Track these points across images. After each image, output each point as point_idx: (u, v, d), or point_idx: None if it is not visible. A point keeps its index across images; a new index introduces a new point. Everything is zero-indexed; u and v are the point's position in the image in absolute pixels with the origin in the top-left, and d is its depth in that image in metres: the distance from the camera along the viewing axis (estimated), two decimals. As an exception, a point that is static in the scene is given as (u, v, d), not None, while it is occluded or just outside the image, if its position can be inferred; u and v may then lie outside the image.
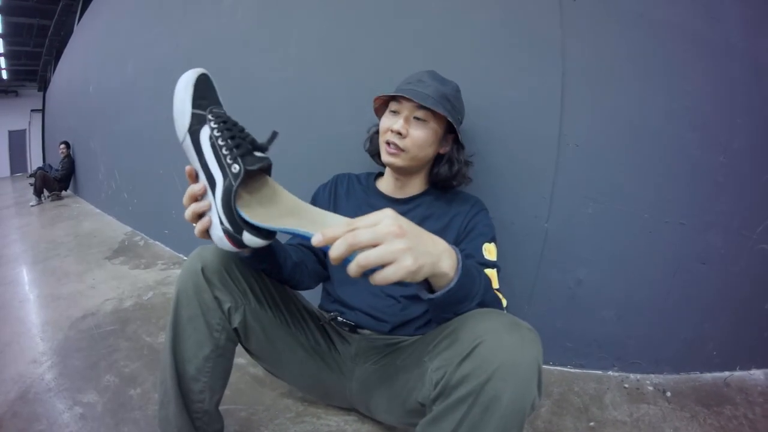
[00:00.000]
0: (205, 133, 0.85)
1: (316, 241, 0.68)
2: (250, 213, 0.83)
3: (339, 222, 0.72)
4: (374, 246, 0.66)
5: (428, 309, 0.90)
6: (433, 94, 1.22)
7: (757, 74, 1.45)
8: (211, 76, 0.91)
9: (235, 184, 0.80)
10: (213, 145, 0.83)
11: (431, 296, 0.80)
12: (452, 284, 0.77)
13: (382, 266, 0.66)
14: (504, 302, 1.04)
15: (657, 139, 1.48)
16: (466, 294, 0.83)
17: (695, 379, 1.60)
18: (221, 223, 0.83)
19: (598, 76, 1.49)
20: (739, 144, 1.46)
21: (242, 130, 0.86)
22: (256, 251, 1.00)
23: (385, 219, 0.69)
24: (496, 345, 0.74)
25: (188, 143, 0.86)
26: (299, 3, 2.16)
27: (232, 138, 0.83)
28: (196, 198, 0.86)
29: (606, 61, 1.49)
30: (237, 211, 0.81)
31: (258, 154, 0.85)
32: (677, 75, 1.45)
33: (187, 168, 0.87)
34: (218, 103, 0.90)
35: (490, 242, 1.22)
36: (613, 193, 1.53)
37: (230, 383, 1.16)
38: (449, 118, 1.23)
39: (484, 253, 1.19)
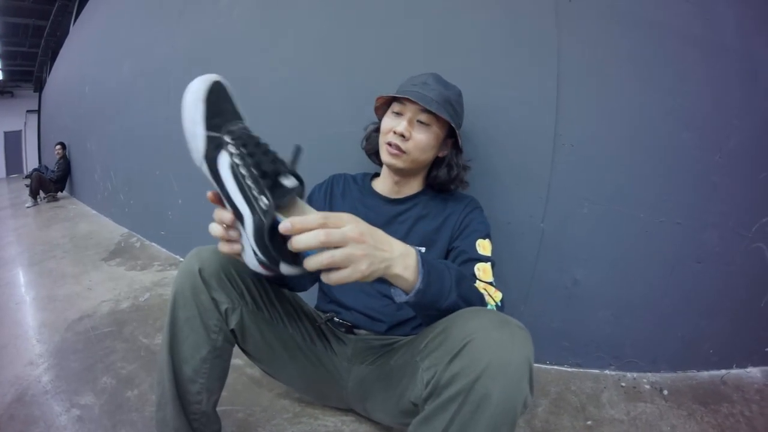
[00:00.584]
0: (224, 161, 0.75)
1: (284, 228, 0.69)
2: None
3: (314, 217, 0.71)
4: (338, 247, 0.71)
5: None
6: (438, 98, 1.22)
7: (752, 74, 1.45)
8: (224, 81, 0.81)
9: (266, 222, 0.71)
10: (235, 175, 0.74)
11: (404, 300, 0.82)
12: (418, 285, 0.80)
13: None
14: (498, 295, 1.05)
15: (653, 139, 1.49)
16: (439, 289, 0.84)
17: (692, 377, 1.60)
18: (255, 254, 0.75)
19: (593, 77, 1.50)
20: (734, 144, 1.47)
21: (266, 151, 0.76)
22: None
23: (350, 223, 0.73)
24: (485, 343, 0.74)
25: (206, 170, 0.77)
26: (297, 3, 2.16)
27: (257, 166, 0.73)
28: (226, 225, 0.78)
29: (601, 62, 1.49)
30: (271, 249, 0.73)
31: (285, 182, 0.75)
32: (673, 75, 1.46)
33: (209, 194, 0.79)
34: (236, 116, 0.80)
35: (484, 238, 1.23)
36: (609, 193, 1.53)
37: (227, 384, 1.16)
38: (452, 124, 1.24)
39: (478, 248, 1.19)
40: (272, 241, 0.73)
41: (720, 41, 1.44)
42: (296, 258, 0.75)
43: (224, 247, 0.80)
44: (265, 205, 0.72)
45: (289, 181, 0.76)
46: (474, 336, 0.75)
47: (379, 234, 0.79)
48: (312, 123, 2.08)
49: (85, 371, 1.72)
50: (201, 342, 1.05)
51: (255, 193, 0.73)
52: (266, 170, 0.73)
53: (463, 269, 1.14)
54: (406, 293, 0.83)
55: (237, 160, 0.74)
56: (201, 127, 0.75)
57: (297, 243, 0.69)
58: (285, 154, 0.79)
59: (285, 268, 0.75)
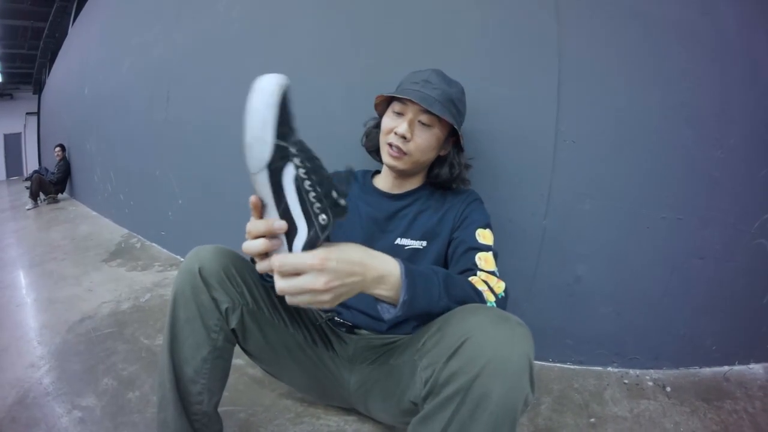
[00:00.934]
0: (289, 174, 0.72)
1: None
2: None
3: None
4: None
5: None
6: (440, 98, 1.21)
7: (752, 70, 1.45)
8: (290, 87, 0.72)
9: (321, 237, 0.73)
10: (299, 189, 0.72)
11: (392, 315, 0.83)
12: (403, 297, 0.80)
13: None
14: (501, 285, 1.04)
15: (653, 135, 1.48)
16: (428, 299, 0.84)
17: (695, 374, 1.60)
18: None
19: (594, 73, 1.50)
20: (735, 140, 1.47)
21: (322, 166, 0.75)
22: None
23: (309, 272, 0.72)
24: (484, 340, 0.73)
25: (264, 179, 0.72)
26: (295, 2, 2.15)
27: (321, 184, 0.72)
28: (270, 235, 0.75)
29: (602, 58, 1.49)
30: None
31: (341, 201, 0.74)
32: (673, 71, 1.46)
33: (253, 198, 0.75)
34: (295, 127, 0.75)
35: (484, 228, 1.22)
36: (611, 190, 1.53)
37: (229, 384, 1.16)
38: (454, 125, 1.23)
39: (478, 237, 1.19)
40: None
41: (721, 37, 1.44)
42: None
43: (263, 265, 0.77)
44: (324, 221, 0.73)
45: (343, 201, 0.74)
46: (472, 333, 0.74)
47: (346, 269, 0.75)
48: (310, 121, 2.06)
49: (87, 373, 1.72)
50: (202, 342, 1.05)
51: (316, 209, 0.72)
52: (328, 191, 0.73)
53: (464, 260, 1.14)
54: (394, 306, 0.83)
55: (303, 175, 0.72)
56: (271, 133, 0.70)
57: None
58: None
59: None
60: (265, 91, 0.70)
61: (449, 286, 0.89)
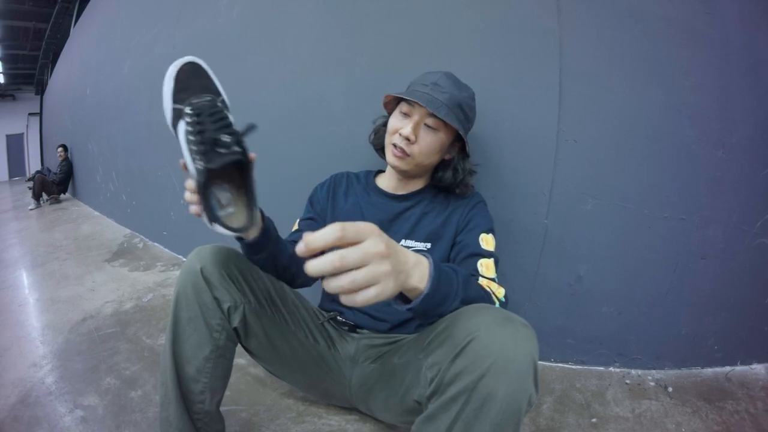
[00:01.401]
0: (181, 129, 0.86)
1: (300, 251, 0.64)
2: (229, 209, 0.92)
3: (325, 231, 0.66)
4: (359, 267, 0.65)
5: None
6: (448, 102, 1.20)
7: (754, 69, 1.45)
8: (199, 62, 0.96)
9: (201, 181, 0.83)
10: (186, 141, 0.84)
11: (409, 306, 0.80)
12: (426, 291, 0.77)
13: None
14: (501, 291, 1.05)
15: (655, 135, 1.48)
16: (445, 296, 0.83)
17: (696, 374, 1.60)
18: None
19: (596, 72, 1.49)
20: (737, 139, 1.46)
21: (219, 119, 0.85)
22: (253, 242, 1.04)
23: (371, 237, 0.68)
24: (489, 340, 0.73)
25: (176, 136, 0.89)
26: (295, 3, 2.15)
27: (201, 133, 0.83)
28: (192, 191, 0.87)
29: (604, 57, 1.49)
30: (211, 209, 0.87)
31: (222, 150, 0.82)
32: (675, 70, 1.45)
33: (181, 161, 0.88)
34: (206, 91, 0.91)
35: (487, 233, 1.22)
36: (612, 189, 1.53)
37: (231, 384, 1.16)
38: (460, 131, 1.22)
39: (481, 243, 1.19)
40: (207, 201, 0.87)
41: (723, 36, 1.43)
42: (242, 221, 0.90)
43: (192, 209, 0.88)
44: (201, 166, 0.82)
45: (222, 149, 0.82)
46: (477, 333, 0.74)
47: (396, 244, 0.74)
48: (312, 121, 2.08)
49: (89, 372, 1.72)
50: (204, 341, 1.05)
51: (196, 155, 0.82)
52: (206, 138, 0.82)
53: (466, 265, 1.15)
54: (406, 302, 0.81)
55: (189, 128, 0.84)
56: (169, 100, 0.89)
57: (311, 269, 0.64)
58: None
59: (219, 229, 0.88)
60: (168, 72, 0.91)
61: (467, 287, 0.89)
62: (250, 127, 0.86)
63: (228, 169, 0.88)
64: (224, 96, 0.93)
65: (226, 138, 0.83)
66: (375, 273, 0.66)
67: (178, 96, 0.88)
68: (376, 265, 0.66)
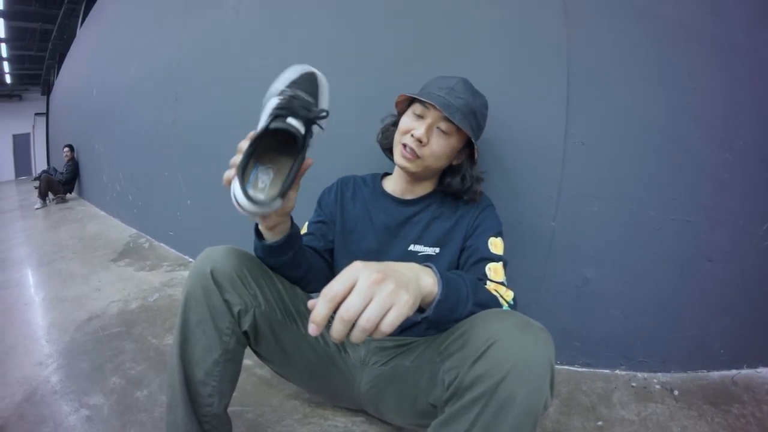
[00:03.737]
0: (272, 102, 0.91)
1: (312, 331, 0.68)
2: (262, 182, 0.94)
3: (320, 307, 0.69)
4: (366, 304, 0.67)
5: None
6: (462, 108, 1.20)
7: (761, 70, 1.45)
8: (321, 76, 1.03)
9: (262, 126, 0.88)
10: (269, 108, 0.90)
11: (424, 315, 0.82)
12: (438, 296, 0.80)
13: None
14: (510, 294, 1.05)
15: (662, 137, 1.48)
16: (456, 300, 0.85)
17: (702, 377, 1.59)
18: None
19: (603, 74, 1.49)
20: (744, 141, 1.46)
21: (302, 103, 0.92)
22: (278, 245, 1.05)
23: (360, 273, 0.70)
24: (509, 345, 0.74)
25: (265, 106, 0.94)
26: (302, 3, 2.16)
27: (284, 105, 0.89)
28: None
29: (611, 59, 1.48)
30: (246, 165, 0.88)
31: (290, 120, 0.88)
32: (681, 72, 1.45)
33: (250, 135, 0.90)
34: (313, 99, 0.97)
35: (496, 236, 1.22)
36: (620, 191, 1.53)
37: (237, 385, 1.16)
38: (471, 138, 1.22)
39: (490, 247, 1.19)
40: (244, 168, 0.88)
41: (729, 37, 1.43)
42: (273, 195, 0.89)
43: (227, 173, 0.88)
44: (264, 124, 0.88)
45: (276, 123, 0.88)
46: (497, 338, 0.75)
47: (391, 263, 0.77)
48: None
49: (94, 371, 1.73)
50: (213, 345, 1.04)
51: (267, 117, 0.88)
52: (284, 105, 0.89)
53: (475, 269, 1.15)
54: (422, 310, 0.83)
55: (279, 101, 0.90)
56: (283, 84, 0.95)
57: (335, 335, 0.67)
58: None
59: (238, 193, 0.85)
60: (296, 65, 0.99)
61: (476, 291, 0.91)
62: (323, 112, 0.94)
63: (282, 154, 0.94)
64: (327, 111, 0.97)
65: (300, 114, 0.90)
66: (384, 299, 0.68)
67: (293, 84, 0.95)
68: (380, 290, 0.68)
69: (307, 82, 0.98)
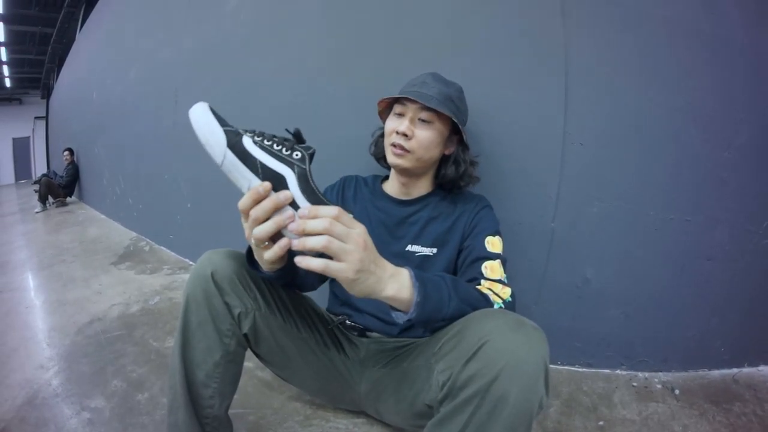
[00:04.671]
0: (248, 142, 0.80)
1: (301, 213, 0.75)
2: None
3: (330, 209, 0.76)
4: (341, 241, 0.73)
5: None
6: (437, 96, 1.22)
7: (759, 69, 1.45)
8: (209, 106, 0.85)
9: (307, 166, 0.81)
10: (262, 147, 0.81)
11: (407, 317, 0.84)
12: (416, 298, 0.81)
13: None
14: (507, 291, 1.06)
15: (661, 136, 1.48)
16: (438, 301, 0.86)
17: (703, 376, 1.59)
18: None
19: (601, 75, 1.49)
20: (743, 139, 1.46)
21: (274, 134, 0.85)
22: (280, 273, 1.02)
23: (358, 228, 0.77)
24: (502, 344, 0.74)
25: (231, 159, 0.79)
26: (301, 7, 2.16)
27: (275, 137, 0.83)
28: (276, 208, 0.77)
29: (609, 60, 1.49)
30: (319, 191, 0.81)
31: (299, 145, 0.84)
32: (680, 71, 1.45)
33: (250, 193, 0.78)
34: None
35: (493, 236, 1.22)
36: (619, 192, 1.53)
37: (238, 387, 1.16)
38: (454, 119, 1.23)
39: (487, 246, 1.19)
40: (311, 191, 0.81)
41: (726, 36, 1.43)
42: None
43: (277, 248, 0.80)
44: (299, 155, 0.81)
45: (302, 144, 0.83)
46: (490, 337, 0.75)
47: (377, 254, 0.81)
48: (318, 126, 2.09)
49: (96, 374, 1.73)
50: (214, 346, 1.05)
51: (286, 151, 0.81)
52: (284, 139, 0.83)
53: (472, 269, 1.15)
54: (406, 312, 0.84)
55: (258, 138, 0.81)
56: (217, 126, 0.80)
57: (305, 224, 0.73)
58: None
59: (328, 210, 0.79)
60: (196, 112, 0.80)
61: (458, 288, 0.91)
62: (298, 133, 0.86)
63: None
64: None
65: (291, 133, 0.85)
66: (346, 250, 0.74)
67: (223, 122, 0.81)
68: (351, 247, 0.74)
69: (224, 119, 0.83)
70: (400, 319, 0.85)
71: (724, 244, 1.53)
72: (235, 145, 0.80)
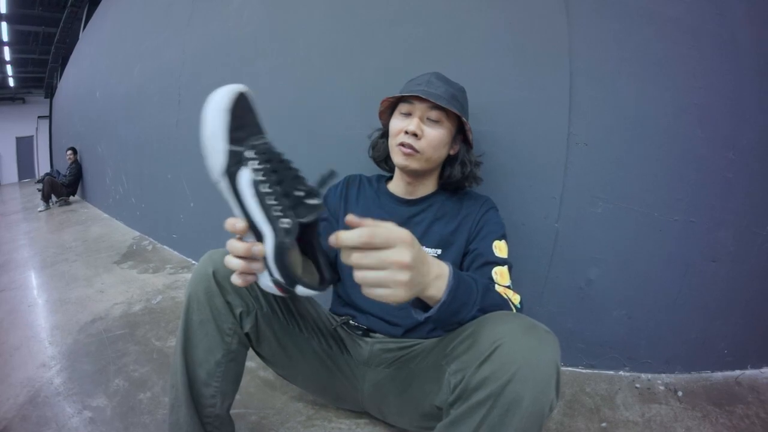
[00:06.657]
0: (245, 178, 0.72)
1: (331, 242, 0.69)
2: (300, 269, 0.80)
3: (356, 233, 0.68)
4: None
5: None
6: (445, 95, 1.21)
7: (764, 70, 1.44)
8: (249, 92, 0.77)
9: (287, 242, 0.71)
10: (257, 194, 0.71)
11: (427, 314, 0.82)
12: (444, 298, 0.79)
13: None
14: (517, 298, 1.04)
15: (665, 137, 1.47)
16: (462, 304, 0.84)
17: (706, 378, 1.59)
18: (271, 274, 0.75)
19: (605, 75, 1.49)
20: (747, 140, 1.45)
21: (289, 167, 0.74)
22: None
23: (400, 245, 0.70)
24: (515, 347, 0.74)
25: (225, 186, 0.73)
26: (306, 6, 2.16)
27: (279, 183, 0.71)
28: (247, 255, 0.75)
29: (613, 60, 1.48)
30: (292, 271, 0.73)
31: (309, 201, 0.72)
32: (684, 72, 1.45)
33: (228, 222, 0.75)
34: (259, 130, 0.76)
35: (500, 240, 1.21)
36: (623, 192, 1.52)
37: (240, 387, 1.17)
38: (463, 118, 1.23)
39: (495, 250, 1.18)
40: (284, 264, 0.73)
41: (732, 37, 1.42)
42: (317, 279, 0.78)
43: (238, 280, 0.78)
44: (288, 224, 0.70)
45: (313, 201, 0.73)
46: (503, 340, 0.75)
47: (423, 256, 0.76)
48: (322, 125, 2.09)
49: (98, 373, 1.73)
50: (215, 345, 1.05)
51: (277, 212, 0.71)
52: (289, 190, 0.71)
53: (480, 274, 1.14)
54: (427, 307, 0.83)
55: (259, 177, 0.71)
56: (222, 141, 0.72)
57: (344, 259, 0.70)
58: (292, 157, 0.77)
59: (301, 290, 0.76)
60: (214, 101, 0.72)
61: (486, 295, 0.90)
62: (331, 174, 0.76)
63: None
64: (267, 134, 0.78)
65: (306, 187, 0.73)
66: (388, 279, 0.69)
67: (235, 135, 0.72)
68: (394, 272, 0.69)
69: (249, 115, 0.76)
70: (419, 314, 0.83)
71: (729, 246, 1.52)
72: (231, 175, 0.73)
